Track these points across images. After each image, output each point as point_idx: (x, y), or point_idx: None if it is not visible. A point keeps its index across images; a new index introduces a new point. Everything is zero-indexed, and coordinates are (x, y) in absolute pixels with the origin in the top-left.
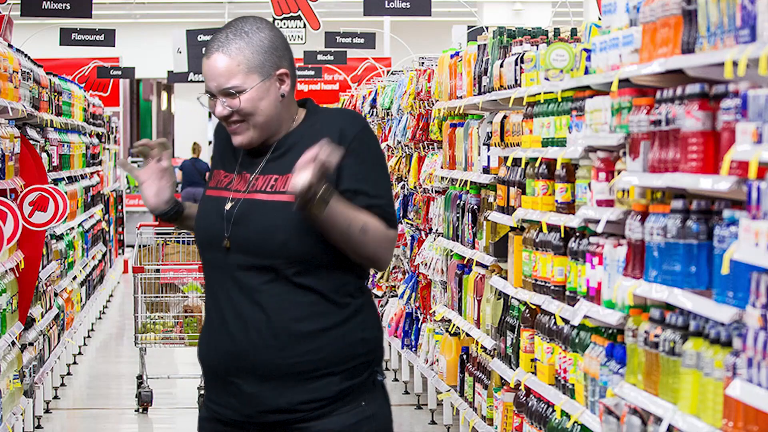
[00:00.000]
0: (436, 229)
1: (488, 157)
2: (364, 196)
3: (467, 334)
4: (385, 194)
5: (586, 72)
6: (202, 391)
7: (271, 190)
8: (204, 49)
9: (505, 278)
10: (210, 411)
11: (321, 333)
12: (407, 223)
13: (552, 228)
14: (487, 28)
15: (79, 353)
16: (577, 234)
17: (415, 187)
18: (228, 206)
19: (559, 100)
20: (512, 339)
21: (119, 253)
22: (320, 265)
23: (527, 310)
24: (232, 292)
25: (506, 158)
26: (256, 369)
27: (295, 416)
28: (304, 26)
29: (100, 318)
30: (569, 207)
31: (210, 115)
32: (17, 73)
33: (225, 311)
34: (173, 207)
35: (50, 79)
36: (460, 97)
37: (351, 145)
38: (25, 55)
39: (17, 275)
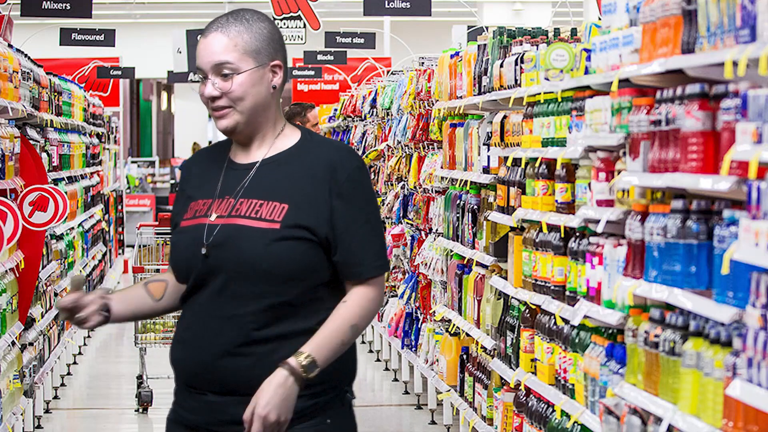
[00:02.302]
0: (436, 229)
1: (488, 157)
2: (359, 251)
3: (467, 334)
4: (373, 245)
5: (586, 72)
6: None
7: (255, 215)
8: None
9: (505, 278)
10: (177, 414)
11: (287, 354)
12: (407, 223)
13: (552, 228)
14: (487, 28)
15: (79, 353)
16: (577, 234)
17: (415, 187)
18: (209, 229)
19: (559, 100)
20: (512, 339)
21: (119, 253)
22: (296, 287)
23: (527, 310)
24: (205, 307)
25: (506, 158)
26: (220, 381)
27: None
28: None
29: None
30: (569, 207)
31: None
32: (17, 73)
33: (195, 323)
34: (101, 310)
35: (50, 79)
36: (460, 97)
37: (344, 184)
38: (25, 55)
39: (17, 275)
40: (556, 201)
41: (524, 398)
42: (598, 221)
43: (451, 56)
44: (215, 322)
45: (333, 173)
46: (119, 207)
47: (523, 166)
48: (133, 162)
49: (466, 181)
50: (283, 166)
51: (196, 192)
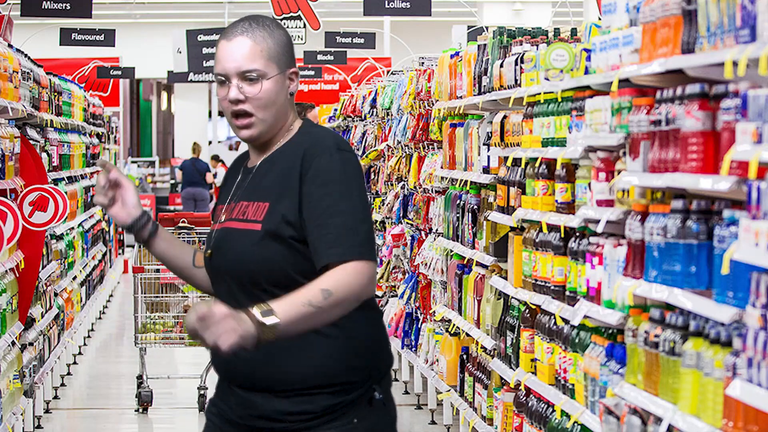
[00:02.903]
0: (436, 229)
1: (488, 157)
2: (321, 239)
3: (467, 334)
4: (340, 223)
5: (586, 72)
6: (202, 391)
7: (243, 217)
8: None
9: (505, 278)
10: (216, 406)
11: (314, 349)
12: (407, 223)
13: (552, 228)
14: (487, 28)
15: (79, 353)
16: (577, 234)
17: (415, 187)
18: (213, 234)
19: (559, 100)
20: (512, 339)
21: (119, 253)
22: (287, 283)
23: (527, 310)
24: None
25: (506, 158)
26: (248, 378)
27: (282, 426)
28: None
29: (100, 318)
30: (569, 207)
31: (210, 115)
32: (17, 73)
33: None
34: (142, 214)
35: (50, 79)
36: (460, 97)
37: (309, 171)
38: (25, 55)
39: (17, 275)
40: (556, 201)
41: (524, 398)
42: (598, 221)
43: (451, 56)
44: None
45: (303, 160)
46: None
47: (523, 166)
48: (133, 162)
49: (466, 181)
50: (274, 163)
51: (222, 197)
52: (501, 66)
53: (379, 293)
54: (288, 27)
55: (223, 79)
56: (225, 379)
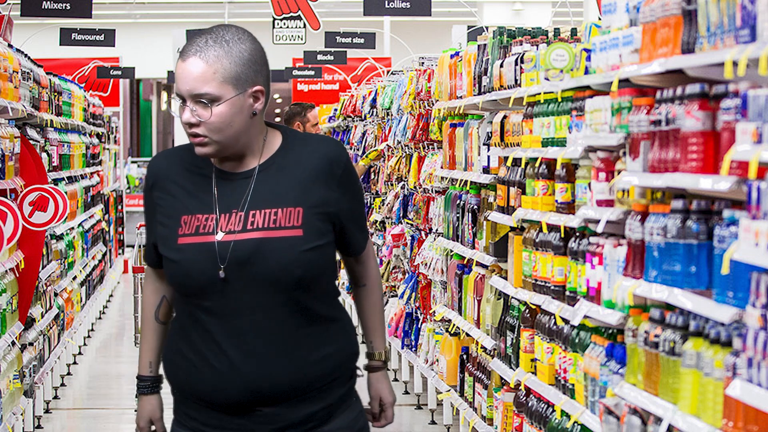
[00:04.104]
0: (436, 229)
1: (488, 157)
2: (359, 232)
3: (467, 334)
4: (363, 219)
5: (586, 72)
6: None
7: (275, 225)
8: (179, 50)
9: (505, 278)
10: None
11: (330, 347)
12: (407, 223)
13: (552, 228)
14: (487, 28)
15: (79, 353)
16: (577, 234)
17: (415, 187)
18: (222, 248)
19: (559, 100)
20: (512, 339)
21: (119, 253)
22: (322, 287)
23: (527, 310)
24: (238, 332)
25: (506, 158)
26: (277, 395)
27: (308, 426)
28: (304, 26)
29: (100, 318)
30: (569, 207)
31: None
32: (17, 73)
33: (230, 351)
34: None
35: (50, 79)
36: (460, 97)
37: (342, 176)
38: (25, 55)
39: (17, 275)
40: (556, 201)
41: (524, 398)
42: (598, 221)
43: (451, 56)
44: (244, 340)
45: (331, 166)
46: (119, 207)
47: (523, 166)
48: (133, 162)
49: (466, 181)
50: (282, 169)
51: (187, 204)
52: (501, 66)
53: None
54: (288, 27)
55: (180, 100)
56: (240, 405)
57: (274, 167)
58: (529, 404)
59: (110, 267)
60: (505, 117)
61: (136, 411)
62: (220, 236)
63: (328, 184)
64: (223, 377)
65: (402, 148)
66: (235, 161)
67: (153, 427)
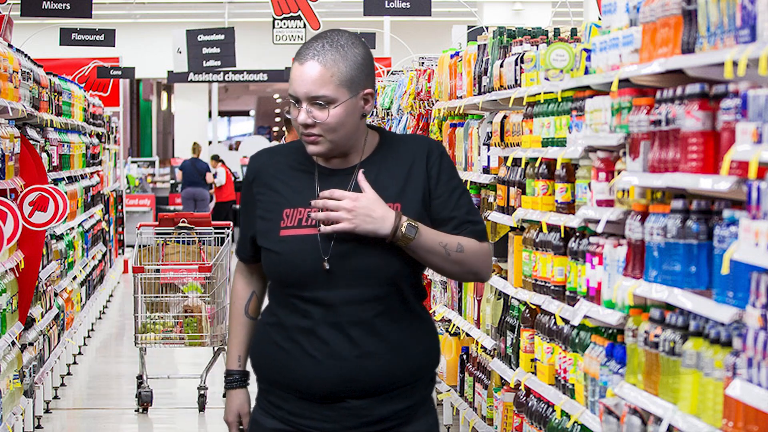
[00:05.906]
0: None
1: (488, 157)
2: (455, 220)
3: (467, 334)
4: (470, 210)
5: (586, 72)
6: (202, 391)
7: None
8: (296, 54)
9: (505, 278)
10: (292, 424)
11: (420, 345)
12: None
13: (552, 228)
14: (487, 28)
15: (79, 353)
16: (577, 234)
17: None
18: (324, 240)
19: (559, 100)
20: (512, 339)
21: (119, 253)
22: (413, 283)
23: (527, 310)
24: (337, 321)
25: (506, 158)
26: (369, 388)
27: (391, 423)
28: (304, 26)
29: (100, 318)
30: (569, 207)
31: (210, 115)
32: (17, 73)
33: (329, 340)
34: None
35: (50, 79)
36: (460, 97)
37: (439, 170)
38: (25, 55)
39: (17, 275)
40: (556, 201)
41: (524, 398)
42: (598, 221)
43: (451, 56)
44: (344, 330)
45: (429, 156)
46: (119, 207)
47: (523, 166)
48: (133, 162)
49: (466, 181)
50: (381, 166)
51: (290, 198)
52: (501, 66)
53: None
54: (288, 27)
55: (294, 101)
56: (332, 395)
57: (374, 164)
58: (529, 404)
59: (110, 267)
60: (505, 117)
61: (223, 407)
62: (323, 229)
63: (425, 178)
64: (321, 366)
65: None
66: (339, 159)
67: (241, 422)
